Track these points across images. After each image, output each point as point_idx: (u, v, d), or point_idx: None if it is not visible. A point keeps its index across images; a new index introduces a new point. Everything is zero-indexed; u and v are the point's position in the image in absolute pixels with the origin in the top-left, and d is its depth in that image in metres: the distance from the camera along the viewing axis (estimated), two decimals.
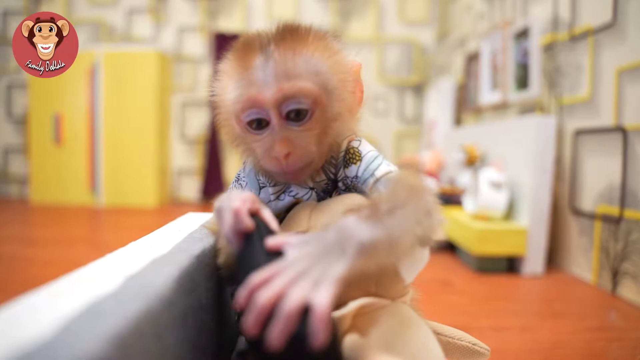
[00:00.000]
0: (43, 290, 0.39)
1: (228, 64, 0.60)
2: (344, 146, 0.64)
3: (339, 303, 0.48)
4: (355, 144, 0.64)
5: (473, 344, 0.63)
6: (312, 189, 0.64)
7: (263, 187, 0.66)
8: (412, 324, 0.53)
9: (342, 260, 0.40)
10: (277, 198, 0.65)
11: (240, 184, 0.68)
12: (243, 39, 0.60)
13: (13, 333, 0.31)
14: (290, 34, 0.57)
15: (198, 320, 0.49)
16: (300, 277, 0.38)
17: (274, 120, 0.56)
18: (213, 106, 0.64)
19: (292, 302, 0.35)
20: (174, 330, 0.42)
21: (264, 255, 0.45)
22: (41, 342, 0.29)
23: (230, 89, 0.58)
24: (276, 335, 0.35)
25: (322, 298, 0.36)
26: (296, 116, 0.56)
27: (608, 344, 1.25)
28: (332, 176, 0.64)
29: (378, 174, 0.60)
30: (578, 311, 1.54)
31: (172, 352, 0.41)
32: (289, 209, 0.65)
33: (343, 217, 0.45)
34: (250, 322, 0.36)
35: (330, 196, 0.64)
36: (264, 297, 0.36)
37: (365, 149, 0.64)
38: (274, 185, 0.65)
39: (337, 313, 0.47)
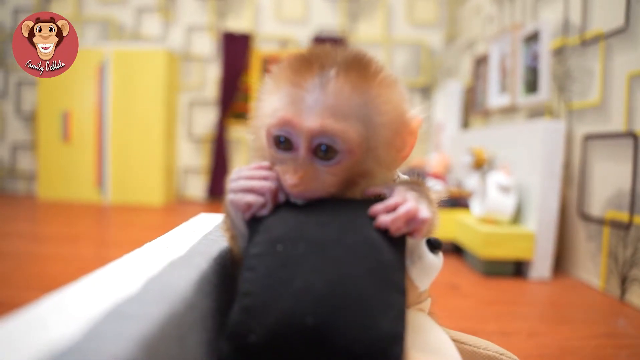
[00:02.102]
0: (65, 291, 0.39)
1: (280, 73, 0.55)
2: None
3: None
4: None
5: (500, 354, 0.62)
6: None
7: None
8: (428, 331, 0.54)
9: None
10: None
11: None
12: (305, 52, 0.55)
13: (40, 334, 0.31)
14: (357, 67, 0.52)
15: (217, 322, 0.49)
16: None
17: (301, 150, 0.52)
18: (253, 110, 0.61)
19: (423, 211, 0.50)
20: (195, 332, 0.42)
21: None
22: (69, 344, 0.29)
23: (273, 100, 0.54)
24: (401, 220, 0.49)
25: (426, 210, 0.50)
26: (324, 153, 0.52)
27: (617, 351, 1.24)
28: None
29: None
30: (586, 317, 1.53)
31: (194, 354, 0.42)
32: None
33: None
34: (400, 221, 0.49)
35: None
36: (407, 207, 0.49)
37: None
38: None
39: None
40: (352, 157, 0.52)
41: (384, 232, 0.49)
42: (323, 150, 0.52)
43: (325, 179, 0.53)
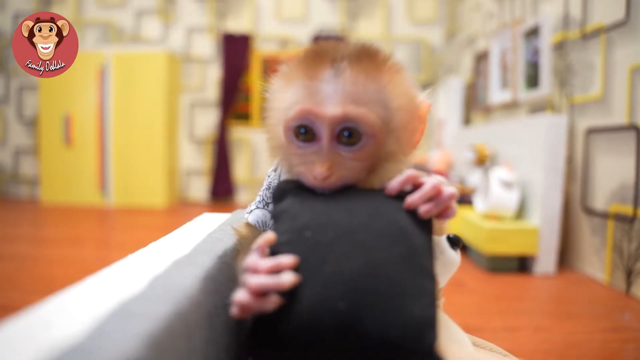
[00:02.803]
0: (70, 291, 0.39)
1: (291, 69, 0.55)
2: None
3: None
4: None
5: (504, 356, 0.62)
6: None
7: None
8: (447, 324, 0.56)
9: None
10: None
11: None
12: (315, 47, 0.55)
13: (45, 334, 0.31)
14: (367, 56, 0.54)
15: (222, 320, 0.49)
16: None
17: (325, 139, 0.53)
18: (265, 109, 0.61)
19: (447, 187, 0.51)
20: (201, 330, 0.42)
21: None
22: (75, 343, 0.29)
23: (288, 95, 0.54)
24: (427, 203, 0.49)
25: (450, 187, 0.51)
26: (348, 139, 0.53)
27: (623, 345, 1.24)
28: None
29: None
30: (591, 311, 1.53)
31: (200, 352, 0.42)
32: None
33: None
34: (427, 197, 0.50)
35: None
36: (432, 182, 0.50)
37: None
38: None
39: None
40: (375, 141, 0.53)
41: (413, 216, 0.49)
42: (346, 135, 0.52)
43: (351, 165, 0.53)
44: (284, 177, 0.63)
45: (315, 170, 0.52)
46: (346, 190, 0.53)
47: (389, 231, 0.46)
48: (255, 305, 0.44)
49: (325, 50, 0.54)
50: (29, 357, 0.28)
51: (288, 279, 0.44)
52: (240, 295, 0.45)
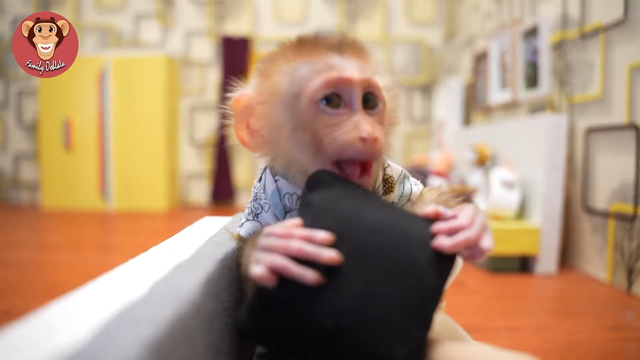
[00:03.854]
0: (73, 296, 0.39)
1: (286, 56, 0.57)
2: (379, 174, 0.64)
3: None
4: (388, 171, 0.65)
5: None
6: None
7: (289, 211, 0.61)
8: (452, 325, 0.56)
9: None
10: None
11: (261, 204, 0.62)
12: (299, 38, 0.58)
13: (49, 339, 0.31)
14: (351, 41, 0.58)
15: (223, 324, 0.49)
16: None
17: (357, 101, 0.54)
18: (232, 110, 0.61)
19: (486, 240, 0.49)
20: (202, 334, 0.42)
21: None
22: (78, 347, 0.29)
23: (299, 74, 0.55)
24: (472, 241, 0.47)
25: (489, 240, 0.49)
26: (370, 104, 0.55)
27: (626, 344, 1.24)
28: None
29: (413, 197, 0.66)
30: (593, 310, 1.53)
31: (201, 356, 0.42)
32: None
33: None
34: (460, 247, 0.47)
35: None
36: (470, 234, 0.47)
37: (395, 172, 0.66)
38: None
39: None
40: (385, 108, 0.57)
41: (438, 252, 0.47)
42: (368, 100, 0.55)
43: (379, 128, 0.55)
44: (271, 185, 0.62)
45: (362, 131, 0.52)
46: (376, 201, 0.52)
47: (404, 265, 0.45)
48: (295, 271, 0.42)
49: (318, 37, 0.57)
50: None
51: (330, 253, 0.42)
52: (275, 258, 0.43)
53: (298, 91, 0.54)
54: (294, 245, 0.43)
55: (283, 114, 0.55)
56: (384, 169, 0.65)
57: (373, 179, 0.61)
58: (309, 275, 0.42)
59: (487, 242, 0.48)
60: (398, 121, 0.63)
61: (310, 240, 0.44)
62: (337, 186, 0.51)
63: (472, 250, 0.48)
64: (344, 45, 0.56)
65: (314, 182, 0.52)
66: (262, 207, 0.62)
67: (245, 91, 0.60)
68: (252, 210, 0.63)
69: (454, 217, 0.49)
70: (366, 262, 0.44)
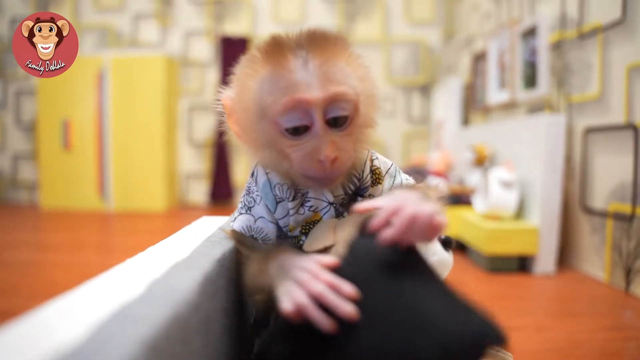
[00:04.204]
0: (69, 296, 0.39)
1: (254, 66, 0.56)
2: (367, 165, 0.64)
3: None
4: (376, 162, 0.66)
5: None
6: (330, 204, 0.63)
7: (280, 201, 0.63)
8: None
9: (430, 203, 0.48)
10: (297, 212, 0.63)
11: (254, 197, 0.64)
12: (270, 41, 0.56)
13: (45, 338, 0.31)
14: (321, 40, 0.55)
15: (221, 323, 0.49)
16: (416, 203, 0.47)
17: (318, 123, 0.53)
18: (224, 109, 0.61)
19: (425, 211, 0.46)
20: (200, 334, 0.42)
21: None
22: (74, 346, 0.29)
23: (263, 91, 0.54)
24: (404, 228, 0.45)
25: (430, 207, 0.46)
26: (335, 122, 0.54)
27: (625, 344, 1.24)
28: (349, 192, 0.64)
29: None
30: (592, 310, 1.53)
31: (199, 356, 0.42)
32: (307, 222, 0.64)
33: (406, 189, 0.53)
34: (397, 232, 0.45)
35: (348, 211, 0.64)
36: (407, 212, 0.45)
37: (383, 165, 0.66)
38: (293, 200, 0.62)
39: None
40: (357, 113, 0.55)
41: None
42: (333, 120, 0.54)
43: (347, 142, 0.55)
44: (262, 177, 0.63)
45: (321, 154, 0.52)
46: (419, 277, 0.48)
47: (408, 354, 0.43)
48: (314, 314, 0.42)
49: (280, 42, 0.55)
50: None
51: (350, 309, 0.42)
52: (299, 295, 0.43)
53: (262, 111, 0.54)
54: (317, 287, 0.43)
55: (253, 124, 0.56)
56: (372, 160, 0.65)
57: (361, 171, 0.64)
58: (324, 322, 0.42)
59: (428, 215, 0.45)
60: (374, 122, 0.60)
61: (335, 289, 0.43)
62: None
63: (425, 230, 0.45)
64: (309, 46, 0.54)
65: (364, 228, 0.52)
66: (254, 200, 0.64)
67: (229, 93, 0.60)
68: (245, 204, 0.65)
69: (382, 207, 0.48)
70: (380, 332, 0.43)
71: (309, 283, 0.43)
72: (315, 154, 0.53)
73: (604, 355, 1.17)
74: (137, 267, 0.48)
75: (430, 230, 0.45)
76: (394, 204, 0.47)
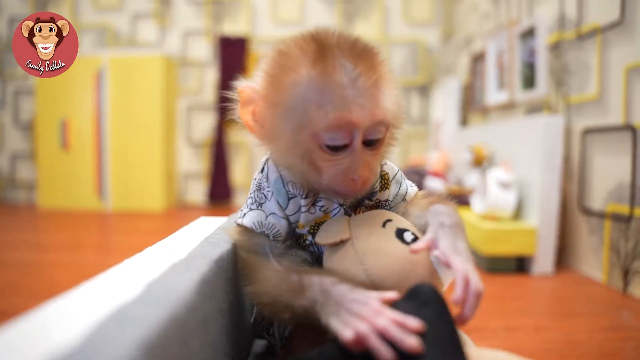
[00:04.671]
0: (67, 297, 0.39)
1: (294, 65, 0.55)
2: (377, 170, 0.66)
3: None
4: (385, 168, 0.67)
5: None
6: (341, 205, 0.64)
7: (292, 197, 0.63)
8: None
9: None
10: (308, 210, 0.63)
11: (264, 194, 0.64)
12: (313, 43, 0.54)
13: (43, 338, 0.31)
14: (367, 55, 0.54)
15: (218, 324, 0.49)
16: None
17: (357, 143, 0.54)
18: (239, 97, 0.61)
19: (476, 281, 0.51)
20: (197, 335, 0.42)
21: None
22: (72, 348, 0.29)
23: (308, 99, 0.53)
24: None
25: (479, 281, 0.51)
26: (369, 142, 0.55)
27: (623, 344, 1.24)
28: (359, 196, 0.65)
29: (408, 198, 0.69)
30: (590, 311, 1.53)
31: (196, 357, 0.42)
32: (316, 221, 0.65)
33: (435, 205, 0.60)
34: (472, 315, 0.49)
35: (355, 213, 0.65)
36: (476, 291, 0.51)
37: (390, 171, 0.68)
38: (306, 197, 0.63)
39: None
40: (388, 134, 0.58)
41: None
42: (370, 140, 0.55)
43: (374, 161, 0.57)
44: (274, 174, 0.63)
45: (356, 174, 0.54)
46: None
47: None
48: (375, 344, 0.42)
49: (326, 46, 0.53)
50: None
51: (415, 342, 0.41)
52: (363, 327, 0.43)
53: (303, 119, 0.53)
54: (381, 322, 0.43)
55: (286, 127, 0.55)
56: (382, 166, 0.67)
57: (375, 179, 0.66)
58: (385, 353, 0.41)
59: (482, 291, 0.51)
60: (396, 141, 0.64)
61: (399, 325, 0.43)
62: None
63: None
64: (357, 60, 0.53)
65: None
66: (265, 196, 0.63)
67: (250, 84, 0.60)
68: (255, 200, 0.64)
69: (464, 283, 0.50)
70: None
71: (372, 318, 0.44)
72: (349, 173, 0.54)
73: (602, 356, 1.17)
74: (134, 268, 0.48)
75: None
76: (460, 269, 0.51)
